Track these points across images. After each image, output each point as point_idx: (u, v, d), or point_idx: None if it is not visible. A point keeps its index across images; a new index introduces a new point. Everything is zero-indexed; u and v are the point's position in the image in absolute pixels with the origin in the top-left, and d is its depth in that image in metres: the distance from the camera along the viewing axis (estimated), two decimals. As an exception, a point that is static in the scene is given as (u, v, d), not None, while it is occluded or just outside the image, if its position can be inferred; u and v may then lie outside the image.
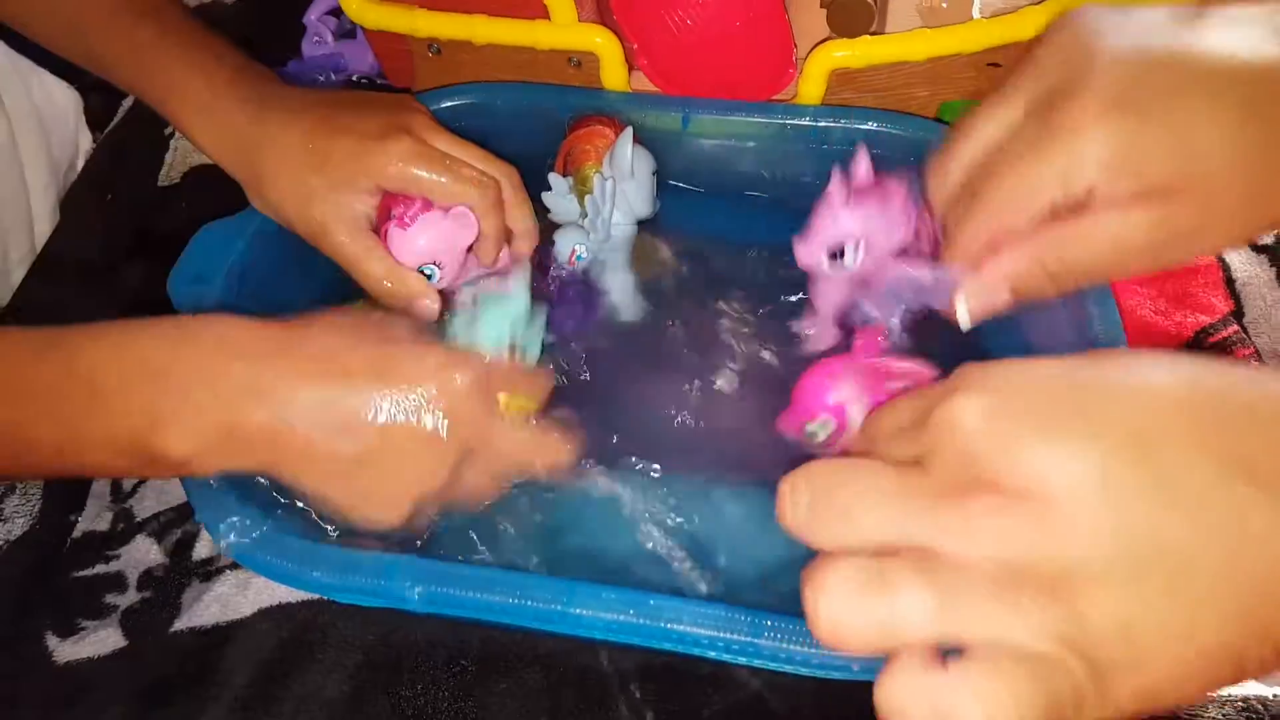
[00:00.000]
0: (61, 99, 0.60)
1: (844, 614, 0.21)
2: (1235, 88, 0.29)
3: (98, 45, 0.45)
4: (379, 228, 0.41)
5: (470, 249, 0.42)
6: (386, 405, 0.33)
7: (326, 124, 0.40)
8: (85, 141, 0.63)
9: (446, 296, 0.42)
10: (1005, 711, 0.19)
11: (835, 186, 0.36)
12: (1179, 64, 0.29)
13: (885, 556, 0.21)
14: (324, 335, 0.34)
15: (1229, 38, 0.30)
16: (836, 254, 0.37)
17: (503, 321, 0.37)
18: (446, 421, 0.33)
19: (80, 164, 0.61)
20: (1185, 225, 0.30)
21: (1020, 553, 0.19)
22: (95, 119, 0.64)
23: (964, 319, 0.34)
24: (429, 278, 0.41)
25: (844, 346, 0.38)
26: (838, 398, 0.36)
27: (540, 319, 0.39)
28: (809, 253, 0.38)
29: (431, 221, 0.40)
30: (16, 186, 0.56)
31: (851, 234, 0.36)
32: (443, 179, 0.40)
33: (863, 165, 0.37)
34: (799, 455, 0.35)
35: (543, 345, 0.39)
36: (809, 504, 0.22)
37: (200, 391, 0.32)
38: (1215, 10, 0.31)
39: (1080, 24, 0.32)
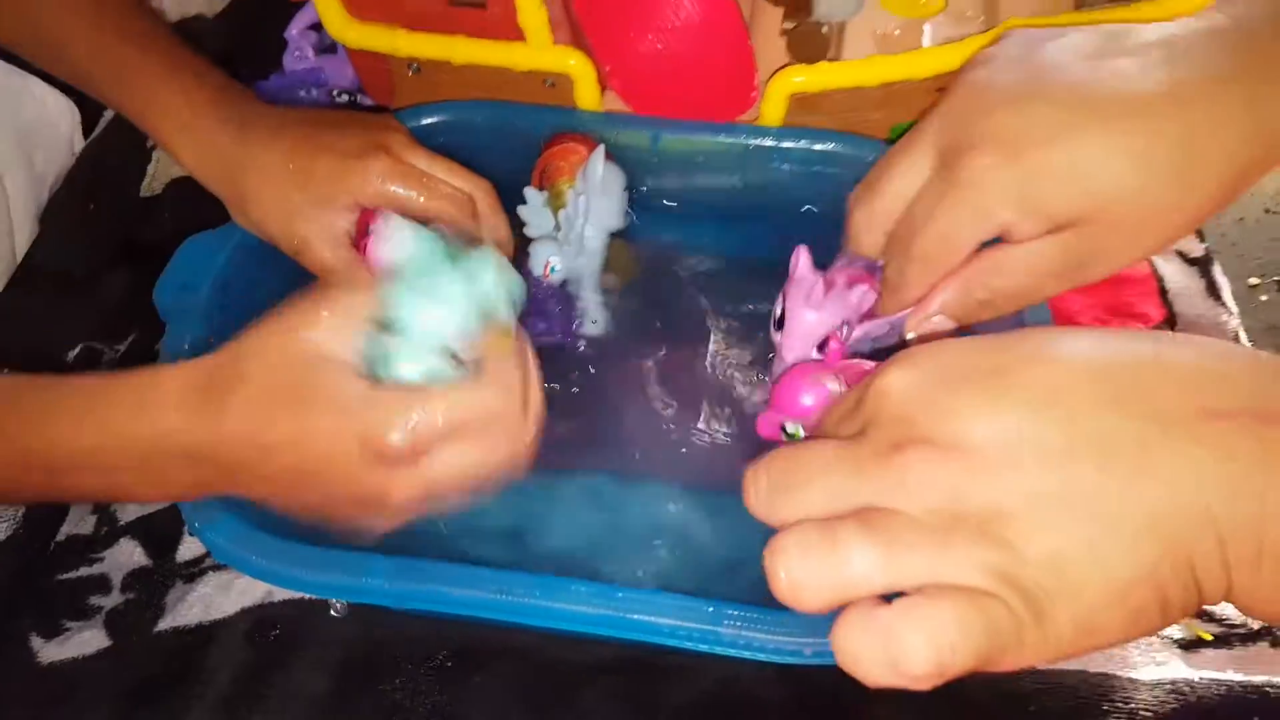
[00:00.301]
0: (54, 109, 0.61)
1: (800, 574, 0.23)
2: (1130, 118, 0.31)
3: (81, 63, 0.46)
4: (358, 242, 0.43)
5: None
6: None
7: (308, 142, 0.42)
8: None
9: None
10: (949, 638, 0.21)
11: (805, 289, 0.39)
12: (1073, 102, 0.32)
13: (835, 519, 0.23)
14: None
15: (1125, 67, 0.32)
16: (822, 344, 0.40)
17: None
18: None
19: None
20: (1091, 249, 0.33)
21: (952, 499, 0.22)
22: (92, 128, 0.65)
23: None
24: None
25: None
26: (813, 399, 0.38)
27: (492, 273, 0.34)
28: (798, 351, 0.40)
29: (403, 237, 0.42)
30: None
31: (833, 324, 0.39)
32: (419, 196, 0.42)
33: (804, 261, 0.40)
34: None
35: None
36: (768, 487, 0.25)
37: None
38: (1112, 38, 0.34)
39: (977, 75, 0.35)
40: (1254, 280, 0.54)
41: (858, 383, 0.38)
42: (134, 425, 0.32)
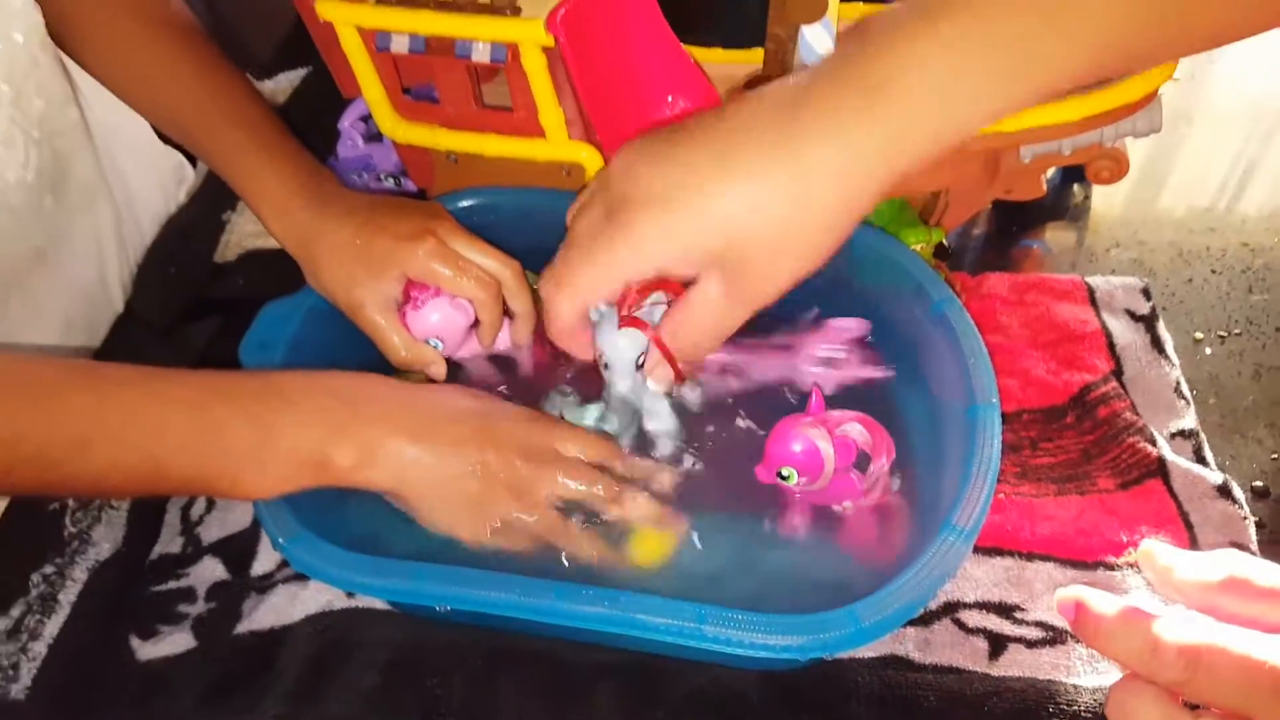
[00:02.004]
0: (167, 165, 0.72)
1: None
2: (744, 169, 0.37)
3: (194, 137, 0.57)
4: (401, 307, 0.53)
5: (474, 330, 0.54)
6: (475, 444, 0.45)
7: (370, 224, 0.51)
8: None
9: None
10: None
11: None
12: (702, 160, 0.38)
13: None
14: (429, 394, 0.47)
15: (745, 125, 0.38)
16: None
17: None
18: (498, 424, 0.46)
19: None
20: (744, 277, 0.39)
21: None
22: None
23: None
24: (435, 348, 0.53)
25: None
26: (801, 446, 0.46)
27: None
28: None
29: (437, 305, 0.52)
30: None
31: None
32: (453, 275, 0.51)
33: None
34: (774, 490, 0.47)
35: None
36: None
37: (362, 412, 0.44)
38: (735, 102, 0.39)
39: (632, 147, 0.41)
40: (1198, 334, 0.61)
41: (832, 431, 0.46)
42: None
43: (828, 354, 0.50)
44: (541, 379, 0.55)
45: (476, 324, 0.54)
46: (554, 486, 0.46)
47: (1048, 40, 0.33)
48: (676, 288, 0.43)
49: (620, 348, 0.46)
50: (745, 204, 0.37)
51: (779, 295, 0.40)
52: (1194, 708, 0.30)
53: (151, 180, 0.73)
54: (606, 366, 0.47)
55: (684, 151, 0.39)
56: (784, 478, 0.47)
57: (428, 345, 0.53)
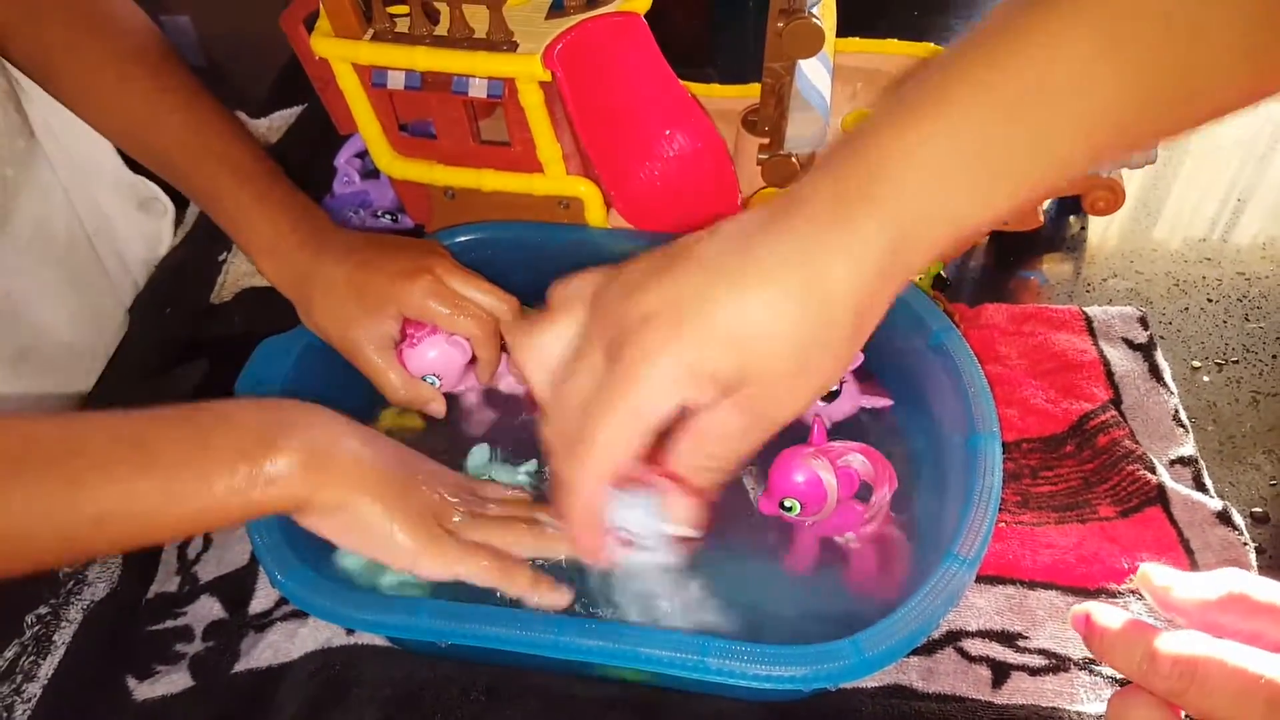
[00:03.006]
0: (160, 210, 0.73)
1: None
2: (760, 280, 0.34)
3: (185, 178, 0.57)
4: (398, 346, 0.54)
5: (472, 367, 0.55)
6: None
7: (365, 263, 0.52)
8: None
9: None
10: None
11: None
12: (709, 275, 0.34)
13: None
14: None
15: (746, 236, 0.35)
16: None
17: None
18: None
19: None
20: (765, 402, 0.36)
21: None
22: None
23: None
24: (434, 385, 0.54)
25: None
26: (804, 476, 0.47)
27: None
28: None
29: (434, 343, 0.53)
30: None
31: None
32: (450, 313, 0.52)
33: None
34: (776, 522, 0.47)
35: None
36: None
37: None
38: (726, 225, 0.36)
39: (617, 278, 0.37)
40: (1196, 363, 0.63)
41: (834, 461, 0.47)
42: None
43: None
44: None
45: (474, 360, 0.55)
46: (481, 534, 0.46)
47: (1051, 127, 0.32)
48: None
49: (641, 520, 0.41)
50: (762, 313, 0.34)
51: (794, 417, 0.37)
52: None
53: (132, 218, 0.73)
54: (628, 543, 0.43)
55: (681, 269, 0.35)
56: (787, 509, 0.48)
57: (425, 383, 0.54)
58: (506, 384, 0.58)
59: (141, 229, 0.74)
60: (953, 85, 0.33)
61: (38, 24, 0.56)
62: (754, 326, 0.34)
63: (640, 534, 0.42)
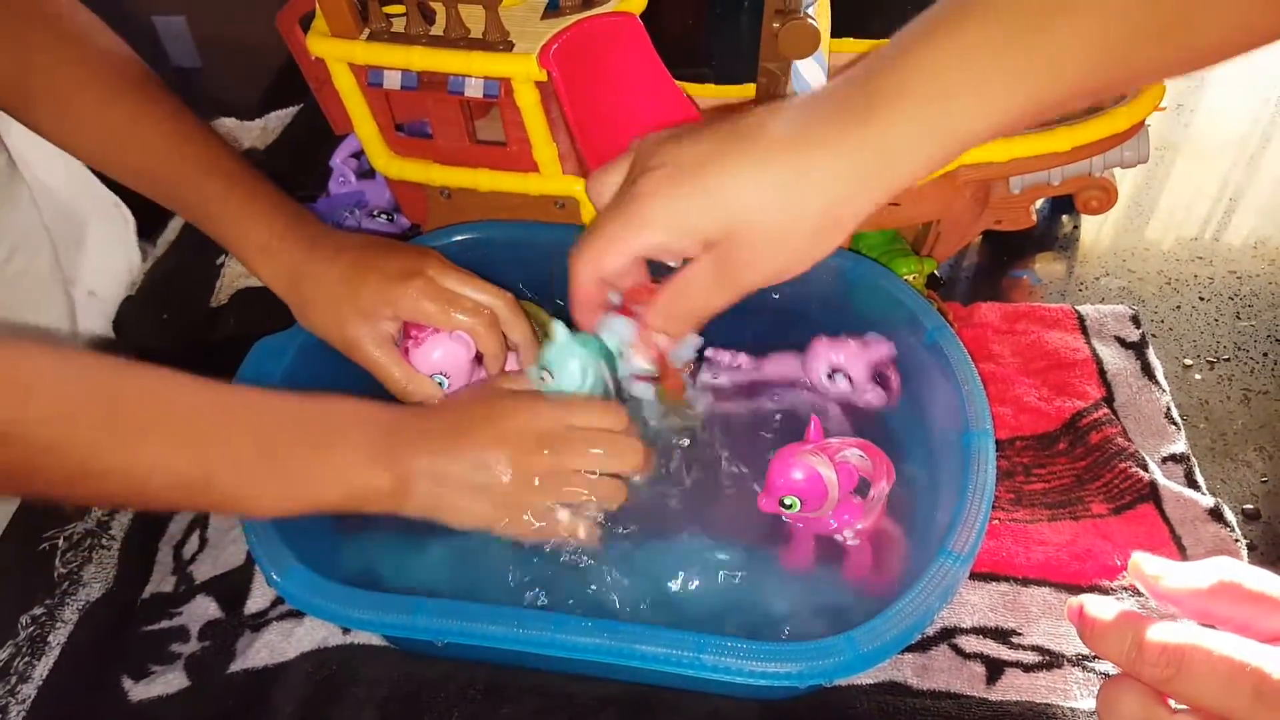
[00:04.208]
0: (121, 221, 0.73)
1: None
2: (755, 154, 0.39)
3: (169, 192, 0.56)
4: (401, 345, 0.54)
5: (480, 362, 0.55)
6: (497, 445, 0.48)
7: (359, 265, 0.52)
8: (136, 258, 0.75)
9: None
10: None
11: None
12: (714, 143, 0.41)
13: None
14: (447, 410, 0.51)
15: (763, 121, 0.40)
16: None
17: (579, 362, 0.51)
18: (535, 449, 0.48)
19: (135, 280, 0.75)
20: (735, 264, 0.41)
21: None
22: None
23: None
24: (441, 385, 0.54)
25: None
26: (803, 473, 0.47)
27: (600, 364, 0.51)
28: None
29: (438, 342, 0.53)
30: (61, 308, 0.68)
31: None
32: (446, 311, 0.52)
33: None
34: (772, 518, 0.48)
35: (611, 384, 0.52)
36: None
37: (403, 445, 0.47)
38: (764, 109, 0.41)
39: (675, 129, 0.43)
40: (1188, 360, 0.64)
41: (833, 457, 0.48)
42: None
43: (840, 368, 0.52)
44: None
45: (480, 357, 0.55)
46: (579, 462, 0.49)
47: (1046, 50, 0.35)
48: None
49: (616, 333, 0.49)
50: (746, 192, 0.39)
51: (761, 285, 0.42)
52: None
53: (104, 232, 0.73)
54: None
55: (706, 137, 0.41)
56: (787, 506, 0.48)
57: (429, 379, 0.54)
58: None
59: (107, 236, 0.74)
60: (970, 3, 0.36)
61: (16, 46, 0.56)
62: (739, 200, 0.39)
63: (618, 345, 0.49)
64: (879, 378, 0.55)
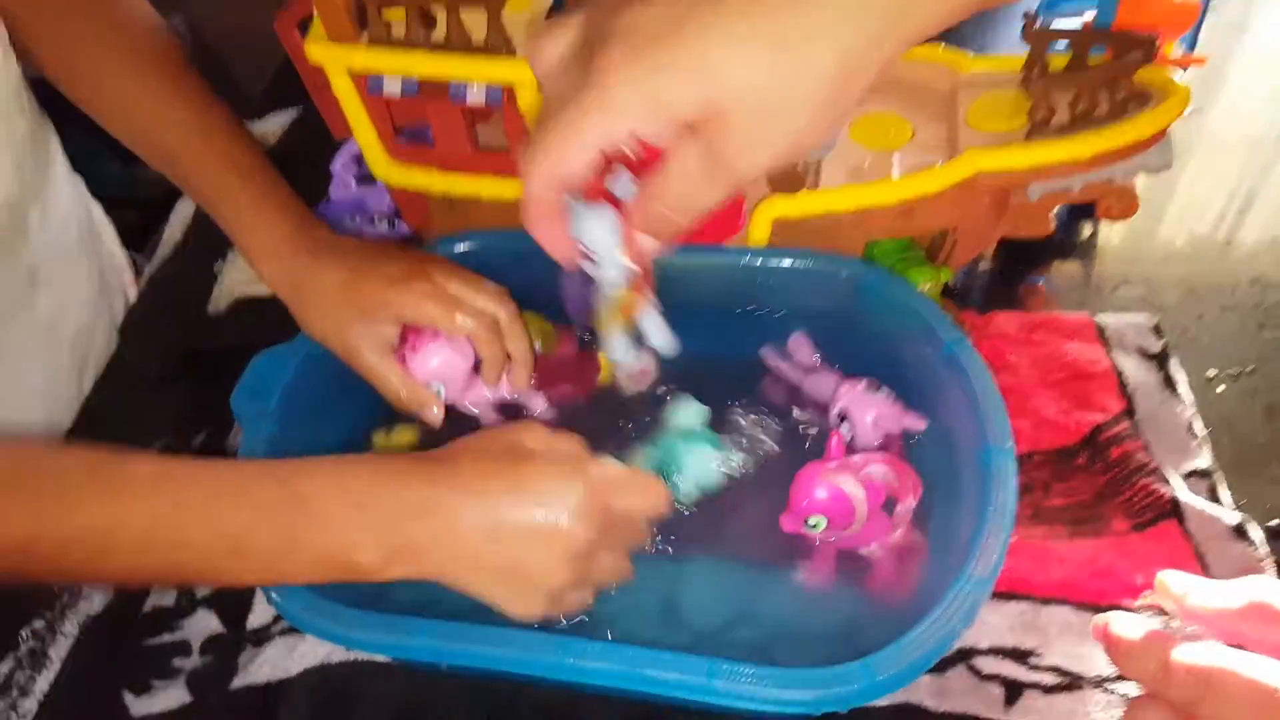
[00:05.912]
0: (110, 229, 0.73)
1: None
2: (742, 15, 0.32)
3: (188, 177, 0.58)
4: (399, 352, 0.54)
5: (477, 371, 0.55)
6: (520, 516, 0.41)
7: (361, 267, 0.52)
8: (124, 262, 0.76)
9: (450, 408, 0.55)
10: None
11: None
12: (699, 14, 0.32)
13: None
14: (469, 462, 0.43)
15: None
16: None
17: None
18: (571, 524, 0.41)
19: (128, 286, 0.75)
20: (726, 144, 0.34)
21: None
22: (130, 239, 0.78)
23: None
24: (438, 393, 0.54)
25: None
26: (826, 492, 0.46)
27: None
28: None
29: (437, 349, 0.53)
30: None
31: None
32: (447, 316, 0.52)
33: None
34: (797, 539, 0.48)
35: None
36: None
37: (385, 516, 0.41)
38: None
39: None
40: (1211, 372, 0.62)
41: (858, 473, 0.47)
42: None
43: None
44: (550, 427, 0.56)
45: (479, 368, 0.55)
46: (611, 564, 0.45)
47: None
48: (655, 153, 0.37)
49: (596, 233, 0.41)
50: (735, 56, 0.32)
51: (759, 172, 0.35)
52: None
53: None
54: (588, 259, 0.43)
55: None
56: (811, 526, 0.47)
57: (425, 388, 0.54)
58: (506, 393, 0.58)
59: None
60: None
61: (60, 19, 0.59)
62: (721, 65, 0.32)
63: (597, 251, 0.42)
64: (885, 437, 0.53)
